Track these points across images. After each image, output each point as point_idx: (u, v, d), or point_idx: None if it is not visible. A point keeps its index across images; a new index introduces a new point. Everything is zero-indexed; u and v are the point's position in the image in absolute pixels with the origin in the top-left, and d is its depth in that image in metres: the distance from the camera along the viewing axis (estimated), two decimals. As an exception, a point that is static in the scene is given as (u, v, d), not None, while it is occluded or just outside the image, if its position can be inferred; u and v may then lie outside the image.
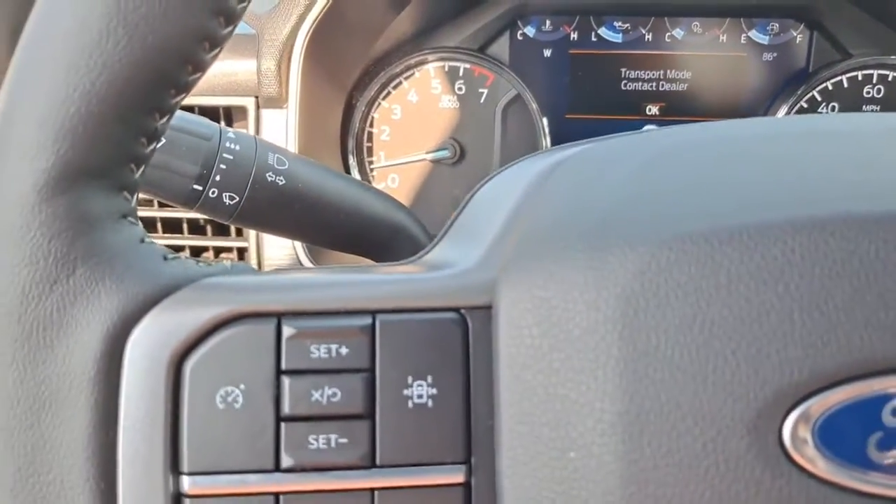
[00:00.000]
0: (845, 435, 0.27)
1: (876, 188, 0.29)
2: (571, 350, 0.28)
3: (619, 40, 0.85)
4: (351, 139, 0.85)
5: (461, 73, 0.86)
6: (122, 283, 0.30)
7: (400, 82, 0.86)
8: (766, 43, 0.85)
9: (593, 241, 0.29)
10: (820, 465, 0.27)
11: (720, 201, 0.29)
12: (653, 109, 0.86)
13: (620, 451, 0.27)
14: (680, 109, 0.86)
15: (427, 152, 0.86)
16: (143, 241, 0.32)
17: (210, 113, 0.72)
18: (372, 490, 0.30)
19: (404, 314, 0.31)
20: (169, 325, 0.30)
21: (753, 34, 0.85)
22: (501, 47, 0.86)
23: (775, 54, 0.85)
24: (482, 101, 0.86)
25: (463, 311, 0.31)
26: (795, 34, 0.85)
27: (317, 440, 0.30)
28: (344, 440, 0.30)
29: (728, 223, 0.28)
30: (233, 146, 0.46)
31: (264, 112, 0.71)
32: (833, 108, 0.84)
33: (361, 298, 0.31)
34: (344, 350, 0.30)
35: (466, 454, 0.30)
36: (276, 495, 0.29)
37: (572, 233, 0.30)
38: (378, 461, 0.30)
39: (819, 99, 0.84)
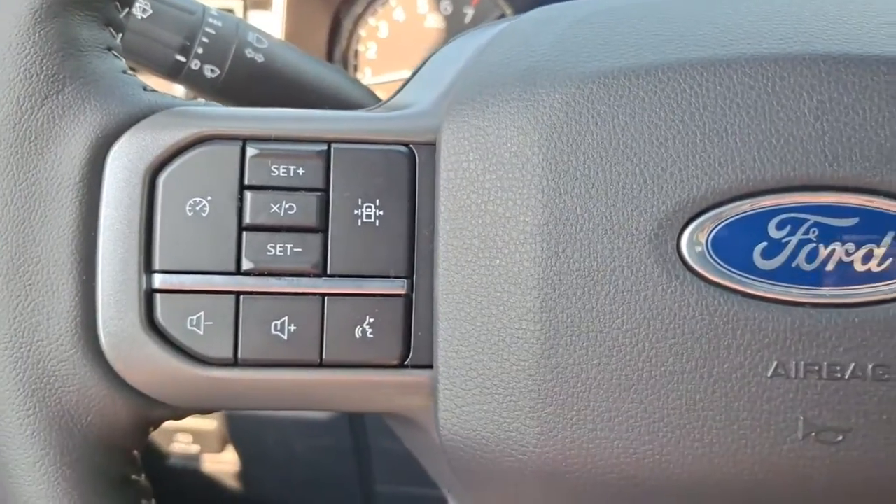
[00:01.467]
0: (735, 245, 0.31)
1: (775, 34, 0.32)
2: (502, 171, 0.32)
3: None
4: (338, 53, 0.88)
5: (447, -7, 0.88)
6: (105, 102, 0.33)
7: (387, 0, 0.88)
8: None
9: (526, 78, 0.33)
10: (712, 270, 0.31)
11: (639, 46, 0.33)
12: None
13: (539, 257, 0.31)
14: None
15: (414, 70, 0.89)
16: (125, 72, 0.35)
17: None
18: (322, 295, 0.34)
19: (358, 144, 0.34)
20: (145, 142, 0.33)
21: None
22: (488, -31, 0.88)
23: None
24: (467, 20, 0.89)
25: (411, 145, 0.35)
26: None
27: (274, 248, 0.33)
28: (298, 249, 0.33)
29: (644, 62, 0.32)
30: (216, 22, 0.49)
31: (251, 14, 0.74)
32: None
33: (320, 130, 0.35)
34: (301, 171, 0.34)
35: (409, 269, 0.34)
36: (237, 294, 0.33)
37: (508, 73, 0.33)
38: (329, 270, 0.34)
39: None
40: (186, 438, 1.00)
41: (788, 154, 0.31)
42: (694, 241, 0.31)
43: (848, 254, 0.30)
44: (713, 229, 0.31)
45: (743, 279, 0.31)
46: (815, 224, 0.31)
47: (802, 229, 0.31)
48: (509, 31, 0.36)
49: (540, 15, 0.37)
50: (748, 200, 0.31)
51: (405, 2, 0.89)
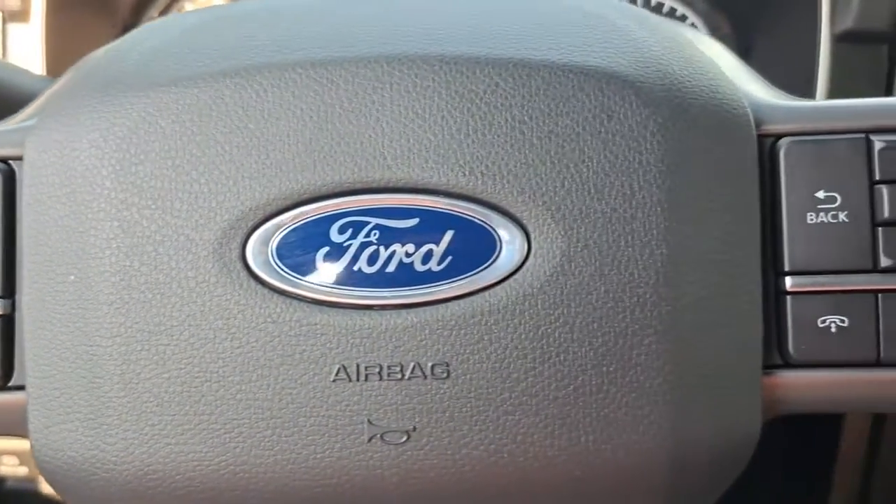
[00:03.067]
0: (299, 251, 0.30)
1: (338, 40, 0.32)
2: (76, 185, 0.31)
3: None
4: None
5: (244, -6, 0.87)
6: None
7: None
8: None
9: (105, 89, 0.32)
10: (277, 277, 0.30)
11: (219, 55, 0.32)
12: None
13: (109, 272, 0.31)
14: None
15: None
16: None
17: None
18: None
19: None
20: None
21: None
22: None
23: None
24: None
25: (10, 161, 0.34)
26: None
27: None
28: None
29: (211, 70, 0.31)
30: None
31: (10, 27, 0.71)
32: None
33: None
34: None
35: (10, 288, 0.33)
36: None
37: (91, 84, 0.33)
38: None
39: (589, 22, 0.88)
40: (12, 461, 0.97)
41: (348, 158, 0.31)
42: (258, 250, 0.31)
43: (408, 255, 0.30)
44: (277, 237, 0.31)
45: (307, 285, 0.31)
46: (377, 226, 0.31)
47: (364, 232, 0.31)
48: (123, 39, 0.36)
49: (156, 23, 0.36)
50: (310, 206, 0.31)
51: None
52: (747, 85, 0.35)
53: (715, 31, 0.88)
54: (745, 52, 0.87)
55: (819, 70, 0.71)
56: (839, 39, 0.70)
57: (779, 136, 0.33)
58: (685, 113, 0.31)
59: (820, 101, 0.35)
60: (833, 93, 0.71)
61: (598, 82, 0.31)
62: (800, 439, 0.83)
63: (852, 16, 0.68)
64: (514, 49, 0.32)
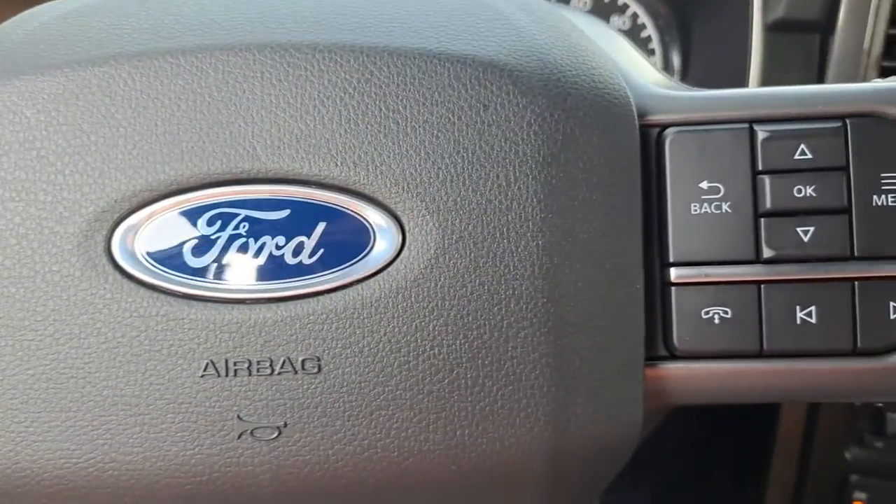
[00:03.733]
0: (167, 244, 0.30)
1: (212, 27, 0.31)
2: None
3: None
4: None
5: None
6: None
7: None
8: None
9: None
10: (144, 271, 0.30)
11: (90, 43, 0.31)
12: None
13: None
14: None
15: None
16: None
17: None
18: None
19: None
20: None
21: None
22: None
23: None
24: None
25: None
26: (507, -54, 0.87)
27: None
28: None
29: (81, 57, 0.30)
30: None
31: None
32: (544, 19, 0.87)
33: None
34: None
35: None
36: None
37: None
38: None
39: (531, 10, 0.87)
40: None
41: (217, 148, 0.30)
42: (125, 243, 0.30)
43: (279, 247, 0.30)
44: (144, 229, 0.30)
45: (175, 278, 0.30)
46: (247, 218, 0.30)
47: (233, 224, 0.30)
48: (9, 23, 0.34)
49: (32, 10, 0.35)
50: (177, 198, 0.30)
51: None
52: (637, 75, 0.35)
53: (656, 19, 0.88)
54: (685, 39, 0.87)
55: (751, 59, 0.71)
56: (771, 29, 0.70)
57: (664, 126, 0.33)
58: (564, 102, 0.31)
59: (703, 90, 0.35)
60: (765, 82, 0.71)
61: (474, 71, 0.31)
62: (736, 434, 0.84)
63: (783, 5, 0.68)
64: (390, 37, 0.31)
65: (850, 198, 0.31)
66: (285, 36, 0.31)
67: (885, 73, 0.68)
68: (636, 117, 0.32)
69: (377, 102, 0.30)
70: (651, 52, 0.89)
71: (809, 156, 0.32)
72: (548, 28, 0.33)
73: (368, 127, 0.30)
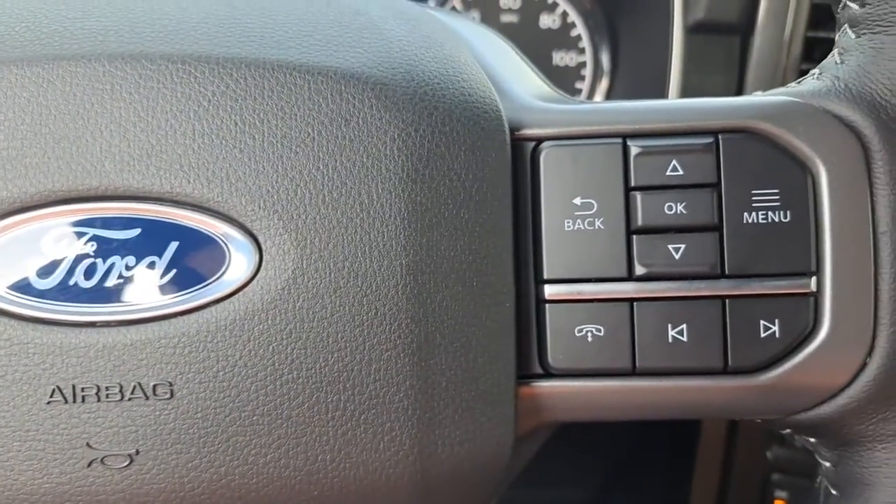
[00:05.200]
0: (12, 264, 0.28)
1: (56, 35, 0.30)
2: None
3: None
4: None
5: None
6: None
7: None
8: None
9: None
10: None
11: None
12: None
13: None
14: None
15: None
16: None
17: None
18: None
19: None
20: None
21: (397, -58, 0.86)
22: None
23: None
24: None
25: None
26: (436, -57, 0.86)
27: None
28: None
29: None
30: None
31: None
32: (474, 18, 0.87)
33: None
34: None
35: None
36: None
37: None
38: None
39: (460, 8, 0.86)
40: None
41: (63, 164, 0.29)
42: None
43: (128, 267, 0.29)
44: (-15, 250, 0.29)
45: (19, 301, 0.28)
46: (95, 237, 0.29)
47: (80, 243, 0.29)
48: None
49: None
50: (21, 216, 0.29)
51: None
52: (514, 86, 0.34)
53: (586, 17, 0.87)
54: (614, 39, 0.87)
55: (672, 61, 0.71)
56: (691, 30, 0.70)
57: (539, 140, 0.32)
58: (430, 117, 0.30)
59: (584, 103, 0.34)
60: (686, 84, 0.71)
61: (336, 84, 0.30)
62: (668, 436, 0.84)
63: (703, 7, 0.68)
64: (251, 48, 0.30)
65: (720, 215, 0.31)
66: (138, 46, 0.30)
67: (803, 75, 0.68)
68: (507, 131, 0.32)
69: (232, 116, 0.29)
70: (581, 51, 0.89)
71: (681, 172, 0.31)
72: (420, 38, 0.32)
73: (223, 142, 0.29)
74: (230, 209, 0.29)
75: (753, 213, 0.31)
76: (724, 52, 0.70)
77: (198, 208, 0.29)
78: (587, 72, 0.89)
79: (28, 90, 0.29)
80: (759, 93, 0.35)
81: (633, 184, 0.31)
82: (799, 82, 0.35)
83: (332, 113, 0.29)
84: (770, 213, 0.31)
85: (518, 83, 0.35)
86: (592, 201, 0.32)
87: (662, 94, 0.74)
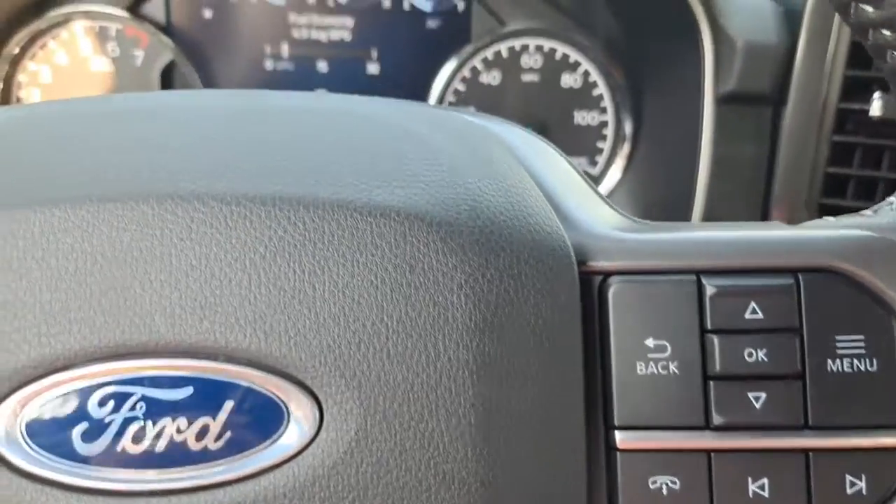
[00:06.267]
0: (53, 427, 0.26)
1: (102, 174, 0.28)
2: None
3: (282, 3, 0.83)
4: (-8, 102, 0.80)
5: (113, 34, 0.81)
6: None
7: (46, 42, 0.81)
8: (429, 10, 0.85)
9: None
10: (27, 458, 0.26)
11: None
12: (322, 67, 0.85)
13: None
14: (347, 77, 0.85)
15: (80, 117, 0.81)
16: None
17: None
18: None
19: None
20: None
21: (416, 0, 0.85)
22: (157, 6, 0.82)
23: (439, 22, 0.85)
24: (139, 63, 0.82)
25: None
26: (456, 1, 0.85)
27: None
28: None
29: None
30: None
31: None
32: (495, 78, 0.85)
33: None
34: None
35: None
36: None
37: None
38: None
39: (481, 68, 0.85)
40: None
41: (110, 317, 0.27)
42: (5, 427, 0.26)
43: (180, 431, 0.27)
44: (27, 411, 0.27)
45: (61, 467, 0.26)
46: (144, 398, 0.27)
47: (128, 405, 0.27)
48: None
49: None
50: (64, 374, 0.27)
51: (67, 44, 0.81)
52: (575, 209, 0.32)
53: (608, 79, 0.86)
54: (637, 101, 0.86)
55: (703, 131, 0.69)
56: (722, 101, 0.68)
57: (607, 274, 0.31)
58: (497, 259, 0.28)
59: (652, 233, 0.32)
60: (717, 154, 0.69)
61: (399, 225, 0.28)
62: None
63: (734, 78, 0.67)
64: (308, 185, 0.28)
65: (803, 362, 0.29)
66: (188, 185, 0.28)
67: (836, 147, 0.67)
68: (576, 266, 0.30)
69: (291, 263, 0.27)
70: (603, 111, 0.87)
71: (760, 315, 0.29)
72: (480, 164, 0.31)
73: (282, 291, 0.27)
74: (289, 366, 0.27)
75: (838, 361, 0.29)
76: (755, 123, 0.69)
77: (253, 364, 0.27)
78: (608, 131, 0.88)
79: (72, 235, 0.27)
80: (832, 219, 0.34)
81: (709, 326, 0.30)
82: (875, 211, 0.33)
83: (396, 259, 0.27)
84: (856, 361, 0.29)
85: (578, 205, 0.33)
86: (666, 343, 0.30)
87: (689, 163, 0.72)
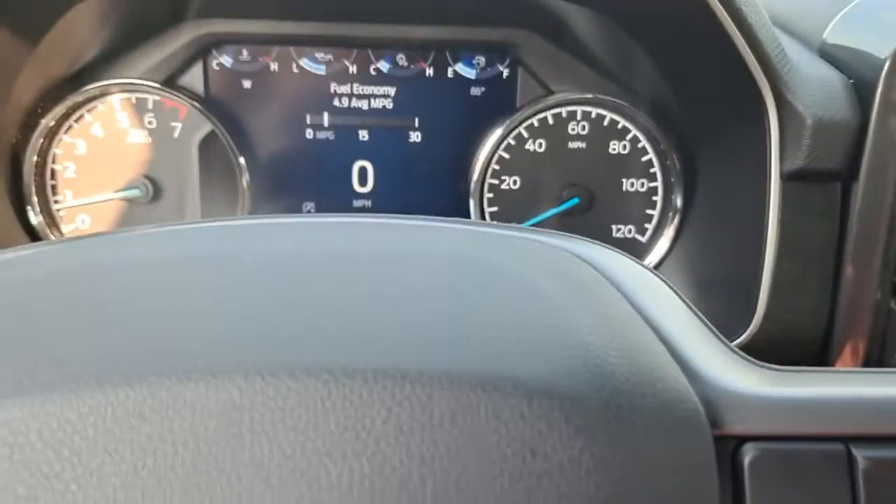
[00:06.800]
0: None
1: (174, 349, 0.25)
2: None
3: (323, 72, 0.81)
4: (27, 178, 0.78)
5: (150, 106, 0.79)
6: None
7: (82, 115, 0.79)
8: (473, 77, 0.82)
9: None
10: None
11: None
12: (363, 135, 0.83)
13: None
14: (389, 146, 0.83)
15: (116, 191, 0.79)
16: None
17: None
18: None
19: None
20: None
21: (460, 67, 0.82)
22: (195, 77, 0.80)
23: (483, 89, 0.83)
24: (176, 135, 0.80)
25: None
26: (501, 69, 0.83)
27: None
28: None
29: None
30: None
31: None
32: (540, 145, 0.83)
33: None
34: None
35: None
36: None
37: None
38: None
39: (526, 135, 0.83)
40: None
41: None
42: None
43: None
44: None
45: None
46: None
47: None
48: None
49: None
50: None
51: (104, 117, 0.79)
52: (700, 363, 0.29)
53: (657, 144, 0.83)
54: (691, 172, 0.82)
55: (769, 208, 0.66)
56: (789, 178, 0.65)
57: (742, 439, 0.27)
58: (627, 437, 0.25)
59: (790, 388, 0.29)
60: (784, 230, 0.66)
61: (518, 401, 0.25)
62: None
63: (803, 154, 0.64)
64: (412, 354, 0.25)
65: None
66: (281, 356, 0.25)
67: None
68: (710, 434, 0.26)
69: (398, 451, 0.24)
70: (653, 177, 0.84)
71: None
72: (593, 312, 0.27)
73: (388, 483, 0.24)
74: None
75: None
76: (823, 200, 0.66)
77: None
78: (658, 198, 0.85)
79: (147, 419, 0.24)
80: None
81: (862, 503, 0.26)
82: None
83: (515, 443, 0.24)
84: None
85: (700, 352, 0.30)
86: None
87: (746, 239, 0.69)
